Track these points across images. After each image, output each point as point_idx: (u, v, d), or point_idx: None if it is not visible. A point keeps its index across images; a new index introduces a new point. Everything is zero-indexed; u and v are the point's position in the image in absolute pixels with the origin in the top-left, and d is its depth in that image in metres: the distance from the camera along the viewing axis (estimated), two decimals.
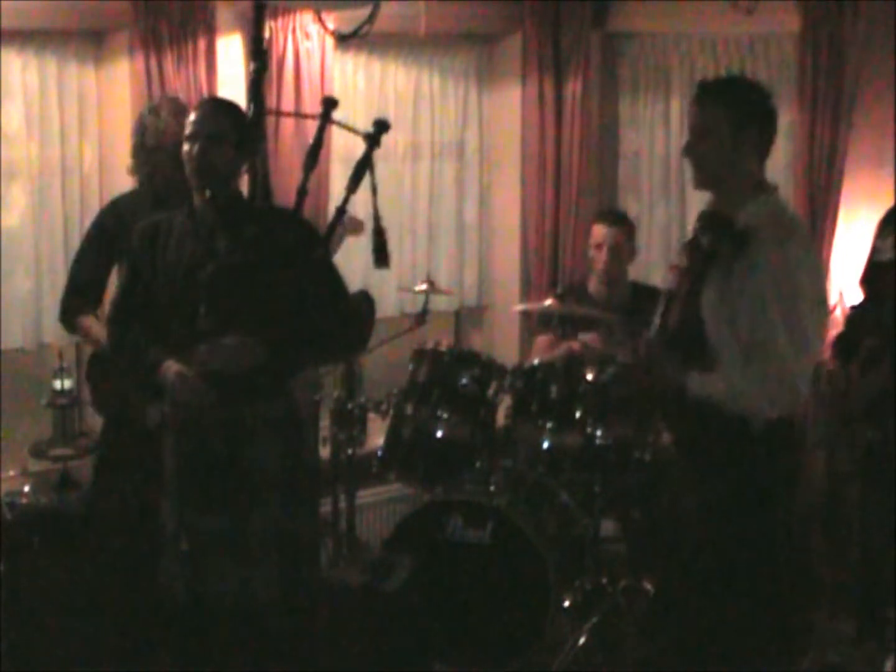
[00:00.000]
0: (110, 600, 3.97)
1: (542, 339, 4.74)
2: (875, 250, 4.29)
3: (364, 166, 3.22)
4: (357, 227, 4.38)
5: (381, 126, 3.29)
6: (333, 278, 3.45)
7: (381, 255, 3.39)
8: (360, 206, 3.60)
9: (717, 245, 2.98)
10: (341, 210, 3.18)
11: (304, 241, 3.30)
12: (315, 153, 3.21)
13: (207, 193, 3.36)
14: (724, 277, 3.03)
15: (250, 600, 3.38)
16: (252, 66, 2.98)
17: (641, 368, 3.13)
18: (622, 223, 4.75)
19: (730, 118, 3.07)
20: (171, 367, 3.33)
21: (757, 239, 2.99)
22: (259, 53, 3.02)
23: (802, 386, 3.03)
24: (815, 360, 3.11)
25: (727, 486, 3.13)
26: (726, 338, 3.04)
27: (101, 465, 4.11)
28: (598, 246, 4.69)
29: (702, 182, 3.17)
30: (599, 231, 4.71)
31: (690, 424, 3.22)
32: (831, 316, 3.75)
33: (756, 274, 2.98)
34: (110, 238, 3.91)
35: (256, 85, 3.15)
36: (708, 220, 3.03)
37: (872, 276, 4.27)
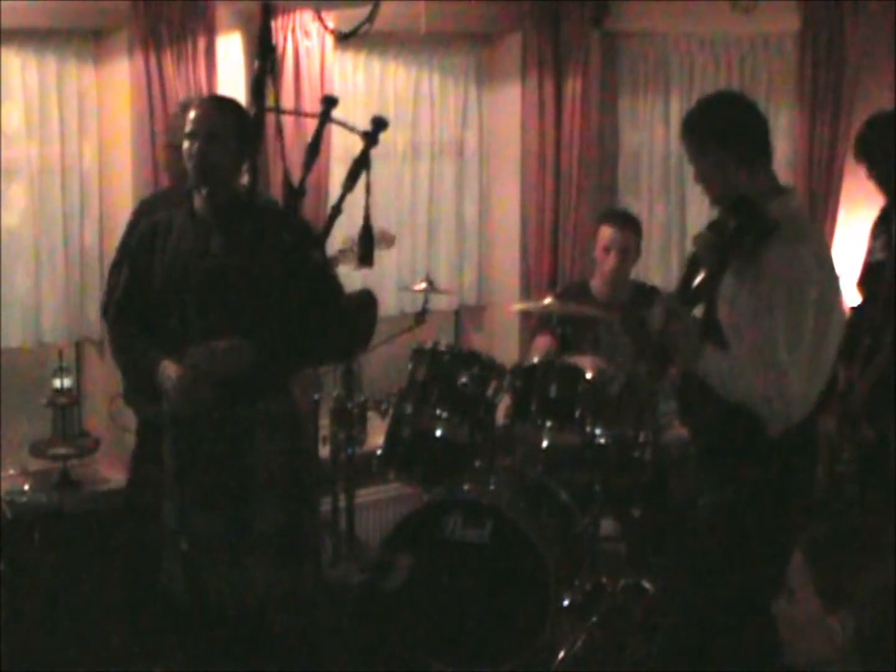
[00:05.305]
0: (112, 600, 3.99)
1: (542, 340, 4.73)
2: (869, 252, 4.31)
3: (361, 165, 3.20)
4: (388, 240, 4.43)
5: (379, 124, 3.27)
6: (328, 278, 3.44)
7: (366, 256, 3.38)
8: (357, 204, 3.58)
9: (745, 228, 2.98)
10: (336, 208, 3.16)
11: (299, 241, 3.29)
12: (313, 152, 3.19)
13: (204, 192, 3.36)
14: (743, 266, 3.03)
15: (250, 600, 3.38)
16: (256, 64, 2.98)
17: (662, 323, 3.07)
18: (631, 225, 4.68)
19: (717, 140, 3.13)
20: (167, 367, 3.33)
21: (774, 238, 3.00)
22: (266, 53, 3.01)
23: (799, 390, 3.02)
24: (817, 366, 3.08)
25: (741, 487, 3.14)
26: (735, 327, 3.06)
27: (136, 460, 4.11)
28: (607, 248, 4.63)
29: (713, 201, 3.23)
30: (608, 233, 4.63)
31: (707, 424, 3.22)
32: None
33: (766, 273, 2.99)
34: None
35: (259, 83, 3.14)
36: (738, 203, 3.04)
37: (867, 277, 4.29)
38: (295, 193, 3.12)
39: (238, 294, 3.30)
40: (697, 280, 3.07)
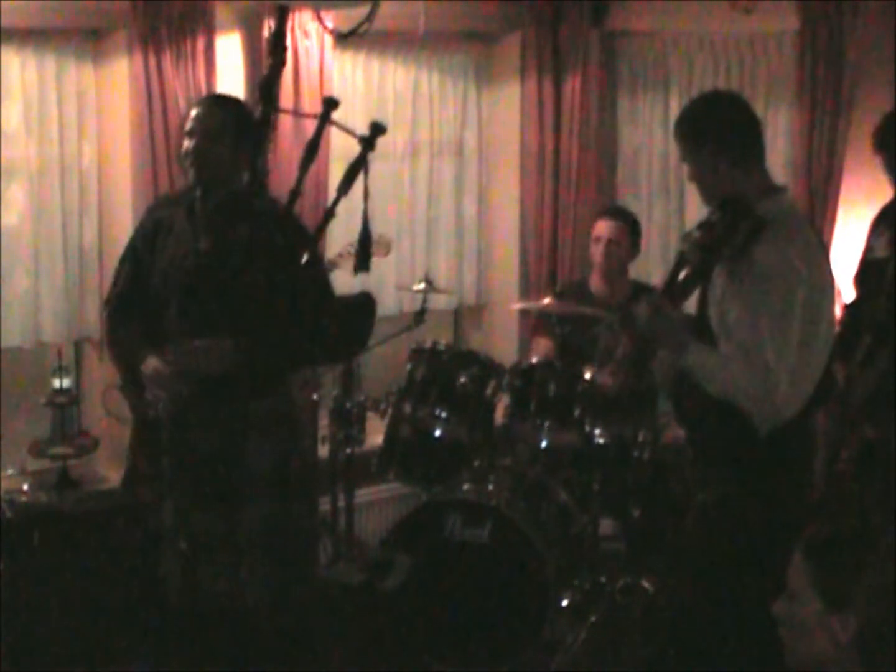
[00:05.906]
0: (111, 599, 3.98)
1: (540, 342, 4.73)
2: (869, 249, 4.30)
3: (357, 168, 3.18)
4: (386, 246, 4.43)
5: (377, 129, 3.26)
6: (318, 281, 3.43)
7: (363, 262, 3.37)
8: (358, 208, 3.57)
9: (733, 227, 2.99)
10: (330, 211, 3.15)
11: (292, 241, 3.27)
12: (312, 153, 3.18)
13: (199, 190, 3.36)
14: (733, 265, 3.04)
15: (246, 599, 3.38)
16: (269, 64, 2.97)
17: (646, 318, 3.08)
18: (623, 218, 4.74)
19: (711, 140, 3.15)
20: (150, 363, 3.33)
21: (763, 237, 3.00)
22: (280, 54, 3.00)
23: (786, 389, 3.01)
24: (806, 366, 3.07)
25: (736, 486, 3.14)
26: (724, 325, 3.06)
27: (129, 457, 4.09)
28: (597, 239, 4.70)
29: (707, 201, 3.23)
30: (599, 225, 4.71)
31: (701, 422, 3.22)
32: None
33: (754, 272, 2.99)
34: None
35: (270, 84, 3.12)
36: (728, 202, 3.05)
37: (866, 274, 4.28)
38: (291, 194, 3.11)
39: (223, 294, 3.28)
40: (681, 276, 3.08)
